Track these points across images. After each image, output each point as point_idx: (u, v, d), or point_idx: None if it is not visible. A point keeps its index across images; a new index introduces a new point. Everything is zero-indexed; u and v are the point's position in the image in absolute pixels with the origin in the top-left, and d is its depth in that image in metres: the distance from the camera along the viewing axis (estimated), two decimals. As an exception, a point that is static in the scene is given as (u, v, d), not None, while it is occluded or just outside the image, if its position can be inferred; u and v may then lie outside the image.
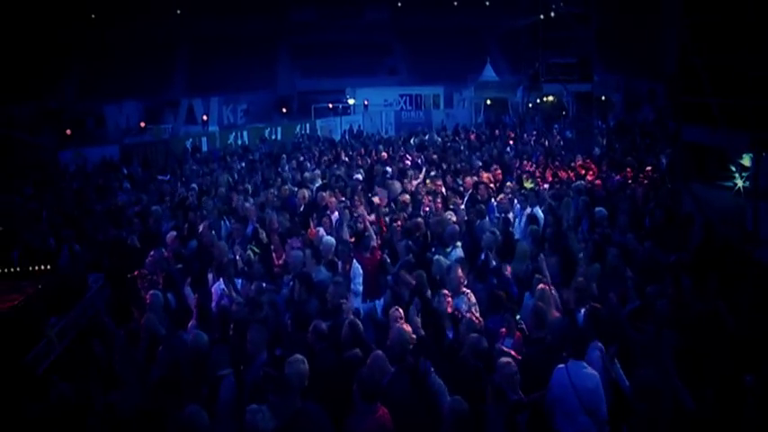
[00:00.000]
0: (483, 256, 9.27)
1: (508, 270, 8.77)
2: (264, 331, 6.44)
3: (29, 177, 21.27)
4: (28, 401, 5.82)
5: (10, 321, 7.63)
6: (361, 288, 8.92)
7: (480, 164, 17.70)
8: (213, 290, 8.76)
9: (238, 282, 8.90)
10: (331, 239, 9.53)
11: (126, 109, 38.41)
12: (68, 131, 30.81)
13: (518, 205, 12.52)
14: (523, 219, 11.69)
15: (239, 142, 32.35)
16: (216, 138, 32.63)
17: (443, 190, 14.10)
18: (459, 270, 7.95)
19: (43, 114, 40.59)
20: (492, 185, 14.39)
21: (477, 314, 7.20)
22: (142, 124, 34.00)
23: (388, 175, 15.83)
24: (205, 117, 36.37)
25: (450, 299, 7.29)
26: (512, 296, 8.10)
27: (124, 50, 43.06)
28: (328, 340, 6.29)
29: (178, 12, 45.89)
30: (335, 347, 6.29)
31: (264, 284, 8.49)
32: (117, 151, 27.65)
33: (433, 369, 5.72)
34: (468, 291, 7.90)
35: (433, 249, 9.65)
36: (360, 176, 16.33)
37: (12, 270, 9.98)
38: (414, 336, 6.21)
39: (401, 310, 6.86)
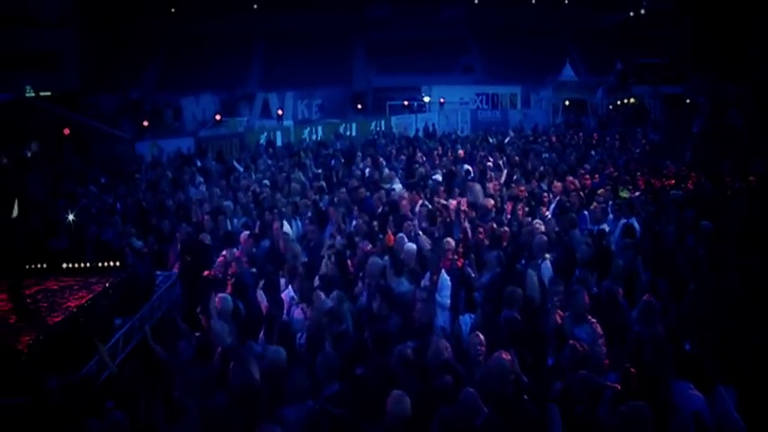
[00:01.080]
0: (578, 272, 8.43)
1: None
2: (336, 359, 5.75)
3: (106, 168, 21.36)
4: (85, 418, 5.31)
5: (75, 323, 7.22)
6: (448, 302, 8.16)
7: (566, 168, 16.69)
8: (284, 296, 8.23)
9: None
10: (413, 246, 8.81)
11: (203, 101, 39.04)
12: (145, 123, 31.12)
13: (611, 215, 11.53)
14: (618, 231, 10.67)
15: (314, 138, 32.07)
16: (290, 132, 32.41)
17: (526, 195, 13.22)
18: (586, 296, 6.90)
19: (125, 105, 41.69)
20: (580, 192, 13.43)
21: (604, 349, 6.31)
22: (217, 117, 34.04)
23: (470, 176, 15.03)
24: (280, 111, 36.29)
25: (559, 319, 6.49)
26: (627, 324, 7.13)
27: (202, 44, 43.57)
28: (414, 366, 5.59)
29: (255, 6, 46.20)
30: (421, 374, 5.59)
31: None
32: (192, 143, 27.63)
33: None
34: (595, 320, 6.76)
35: (523, 262, 8.86)
36: (439, 177, 15.61)
37: (82, 266, 9.64)
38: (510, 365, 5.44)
39: (481, 336, 6.10)
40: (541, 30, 44.74)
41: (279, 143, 30.24)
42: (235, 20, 44.46)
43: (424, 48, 44.94)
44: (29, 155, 23.97)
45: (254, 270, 9.17)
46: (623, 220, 10.86)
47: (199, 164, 22.04)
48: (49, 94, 41.15)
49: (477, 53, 47.05)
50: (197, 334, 7.02)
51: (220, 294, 7.40)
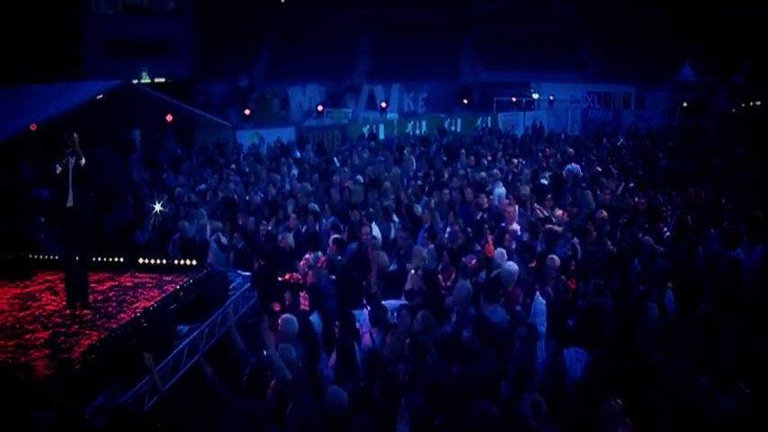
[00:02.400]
0: (704, 306, 7.17)
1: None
2: (422, 404, 4.64)
3: (206, 157, 21.28)
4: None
5: (137, 330, 6.64)
6: (544, 329, 7.06)
7: (687, 177, 15.06)
8: (363, 315, 7.36)
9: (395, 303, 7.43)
10: (513, 267, 7.64)
11: (309, 91, 39.19)
12: (247, 111, 31.18)
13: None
14: (756, 257, 9.10)
15: (417, 132, 31.30)
16: (393, 125, 31.72)
17: (644, 208, 11.79)
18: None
19: (233, 93, 42.38)
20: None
21: None
22: (320, 108, 33.80)
23: (584, 184, 13.67)
24: (384, 104, 35.69)
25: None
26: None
27: (311, 34, 43.59)
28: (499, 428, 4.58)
29: (364, -2, 45.76)
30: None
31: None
32: (293, 134, 27.36)
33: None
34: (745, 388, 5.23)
35: (641, 289, 7.65)
36: (545, 181, 14.38)
37: (158, 262, 9.17)
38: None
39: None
40: (657, 26, 42.02)
41: (381, 136, 29.67)
42: (344, 11, 44.17)
43: (534, 43, 43.18)
44: (135, 141, 24.39)
45: (333, 277, 8.36)
46: (761, 246, 9.26)
47: (298, 155, 21.67)
48: (163, 80, 42.56)
49: (590, 50, 44.81)
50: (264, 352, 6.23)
51: (285, 315, 6.61)
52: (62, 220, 7.93)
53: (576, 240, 9.27)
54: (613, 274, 8.07)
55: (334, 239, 9.38)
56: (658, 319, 6.47)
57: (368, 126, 30.33)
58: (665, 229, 10.63)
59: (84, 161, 7.48)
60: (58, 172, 7.52)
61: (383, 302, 7.27)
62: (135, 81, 36.34)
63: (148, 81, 40.96)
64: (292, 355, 5.84)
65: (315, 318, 7.15)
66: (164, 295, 7.77)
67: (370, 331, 6.78)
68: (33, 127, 19.22)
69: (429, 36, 43.74)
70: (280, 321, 6.43)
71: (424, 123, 32.39)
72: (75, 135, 7.55)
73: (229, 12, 44.30)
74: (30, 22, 35.85)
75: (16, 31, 34.48)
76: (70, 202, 7.53)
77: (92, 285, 8.56)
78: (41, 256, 9.71)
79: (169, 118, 22.14)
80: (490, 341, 5.82)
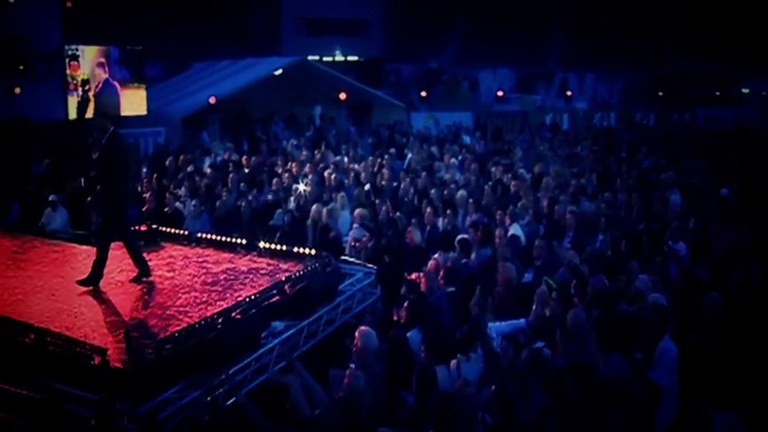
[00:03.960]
0: None
1: None
2: None
3: (377, 137, 21.01)
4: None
5: (227, 322, 6.20)
6: (665, 383, 5.48)
7: None
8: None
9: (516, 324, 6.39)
10: (659, 300, 6.13)
11: (500, 76, 38.10)
12: (423, 93, 30.59)
13: None
14: None
15: (604, 123, 29.20)
16: (578, 116, 29.81)
17: None
18: None
19: (423, 74, 42.21)
20: None
21: None
22: (499, 93, 32.43)
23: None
24: (569, 92, 33.73)
25: None
26: None
27: (503, 18, 42.20)
28: None
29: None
30: None
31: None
32: (470, 118, 26.45)
33: None
34: None
35: None
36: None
37: (279, 248, 8.77)
38: None
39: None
40: None
41: (565, 126, 28.01)
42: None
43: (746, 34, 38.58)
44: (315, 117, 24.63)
45: (451, 289, 7.40)
46: None
47: (467, 140, 20.82)
48: (356, 58, 43.29)
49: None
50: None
51: (363, 328, 5.82)
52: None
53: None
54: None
55: (459, 241, 8.43)
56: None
57: (550, 115, 28.72)
58: None
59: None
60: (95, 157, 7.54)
61: (499, 324, 6.29)
62: (329, 59, 37.36)
63: (342, 59, 41.81)
64: (359, 382, 5.07)
65: (414, 334, 6.24)
66: (264, 286, 7.29)
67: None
68: (213, 100, 19.99)
69: (626, 22, 40.59)
70: (357, 334, 5.69)
71: (612, 116, 30.18)
72: (108, 119, 7.55)
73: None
74: (234, -1, 37.71)
75: (219, 8, 36.36)
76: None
77: (209, 266, 8.41)
78: (174, 230, 9.69)
79: (342, 96, 22.16)
80: (593, 399, 4.62)
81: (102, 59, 18.60)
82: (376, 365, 5.43)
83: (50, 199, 11.49)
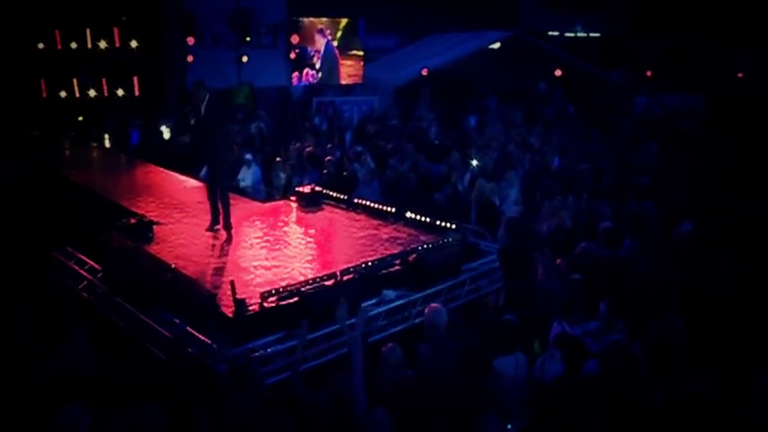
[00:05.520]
0: None
1: None
2: None
3: (599, 120, 19.90)
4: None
5: (339, 284, 6.49)
6: None
7: None
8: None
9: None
10: None
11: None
12: (648, 73, 28.41)
13: None
14: None
15: None
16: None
17: None
18: None
19: (668, 53, 39.24)
20: None
21: None
22: (739, 75, 29.06)
23: None
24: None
25: None
26: None
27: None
28: None
29: None
30: None
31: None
32: (698, 101, 24.10)
33: None
34: None
35: None
36: None
37: (423, 220, 8.85)
38: None
39: None
40: None
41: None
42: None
43: None
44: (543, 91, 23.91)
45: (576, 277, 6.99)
46: None
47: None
48: (598, 35, 41.44)
49: None
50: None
51: (433, 305, 5.72)
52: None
53: None
54: None
55: (604, 229, 7.87)
56: None
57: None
58: None
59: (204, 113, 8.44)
60: (193, 123, 8.88)
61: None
62: (570, 34, 36.21)
63: (584, 35, 40.30)
64: (395, 356, 5.06)
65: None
66: (386, 255, 7.48)
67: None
68: (425, 72, 20.42)
69: None
70: (427, 310, 5.63)
71: None
72: (202, 89, 8.50)
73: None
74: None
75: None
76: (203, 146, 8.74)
77: (352, 231, 8.79)
78: (337, 194, 10.20)
79: (558, 72, 21.44)
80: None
81: (322, 26, 19.89)
82: (447, 343, 5.36)
83: (246, 158, 12.60)
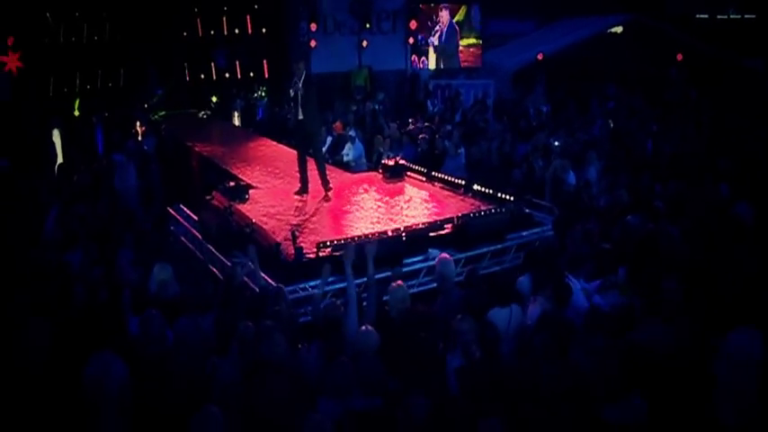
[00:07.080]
0: None
1: None
2: None
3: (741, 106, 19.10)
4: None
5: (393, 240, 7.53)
6: None
7: None
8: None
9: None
10: None
11: None
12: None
13: None
14: None
15: None
16: None
17: None
18: None
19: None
20: None
21: None
22: None
23: None
24: None
25: None
26: None
27: None
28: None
29: None
30: None
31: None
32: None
33: None
34: None
35: None
36: None
37: (489, 192, 9.56)
38: None
39: None
40: None
41: None
42: None
43: None
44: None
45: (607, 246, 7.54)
46: None
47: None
48: (753, 16, 39.21)
49: None
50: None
51: (443, 254, 6.65)
52: (296, 129, 10.29)
53: None
54: None
55: (655, 206, 8.22)
56: None
57: None
58: None
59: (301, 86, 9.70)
60: (292, 95, 9.86)
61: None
62: (722, 17, 34.56)
63: (738, 16, 38.30)
64: (401, 293, 5.61)
65: (525, 279, 6.23)
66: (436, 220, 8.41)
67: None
68: (540, 56, 20.78)
69: None
70: (437, 260, 6.43)
71: None
72: (301, 64, 9.96)
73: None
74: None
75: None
76: (300, 116, 9.83)
77: (423, 200, 9.74)
78: (420, 168, 11.18)
79: (679, 57, 21.01)
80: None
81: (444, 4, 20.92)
82: (454, 290, 6.18)
83: (350, 134, 13.83)
